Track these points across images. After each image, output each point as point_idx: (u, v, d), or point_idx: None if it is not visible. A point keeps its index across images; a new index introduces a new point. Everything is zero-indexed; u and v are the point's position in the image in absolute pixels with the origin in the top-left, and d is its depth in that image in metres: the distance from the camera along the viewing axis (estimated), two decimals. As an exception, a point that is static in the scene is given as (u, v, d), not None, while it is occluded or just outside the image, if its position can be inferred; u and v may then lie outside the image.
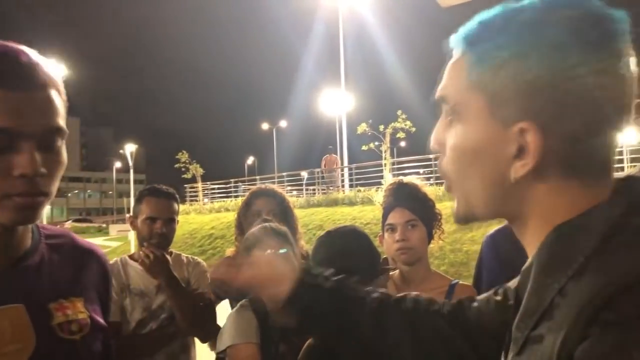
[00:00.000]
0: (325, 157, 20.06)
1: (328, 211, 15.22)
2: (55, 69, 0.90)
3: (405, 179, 2.10)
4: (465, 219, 0.68)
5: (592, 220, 0.57)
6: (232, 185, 24.22)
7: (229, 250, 2.63)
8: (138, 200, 2.24)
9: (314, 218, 14.77)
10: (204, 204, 22.79)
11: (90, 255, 1.10)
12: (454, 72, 0.66)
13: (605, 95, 0.56)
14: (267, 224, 2.01)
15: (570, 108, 0.56)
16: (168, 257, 2.12)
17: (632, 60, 0.59)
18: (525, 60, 0.57)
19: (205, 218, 17.86)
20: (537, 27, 0.58)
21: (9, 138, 0.82)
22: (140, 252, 2.15)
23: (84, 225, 44.55)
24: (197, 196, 24.03)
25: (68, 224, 49.02)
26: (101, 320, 1.04)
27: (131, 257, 2.27)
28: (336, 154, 21.34)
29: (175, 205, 2.26)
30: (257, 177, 25.84)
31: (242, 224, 2.49)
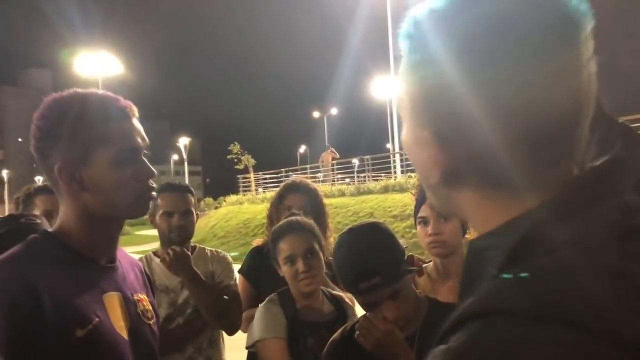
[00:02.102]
0: (322, 154, 21.42)
1: (379, 198, 15.15)
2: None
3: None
4: (441, 213, 0.67)
5: (501, 236, 0.51)
6: (284, 174, 24.48)
7: (257, 241, 2.64)
8: (154, 198, 2.27)
9: (365, 206, 14.73)
10: (256, 194, 23.18)
11: (136, 264, 1.38)
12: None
13: (516, 104, 0.50)
14: (294, 217, 2.00)
15: (475, 117, 0.52)
16: (189, 252, 2.12)
17: (540, 70, 0.51)
18: (430, 66, 0.54)
19: (258, 207, 18.14)
20: (443, 32, 0.53)
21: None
22: (163, 250, 2.18)
23: (144, 216, 46.10)
24: (249, 186, 24.45)
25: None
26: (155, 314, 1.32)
27: (155, 253, 2.29)
28: (334, 149, 22.23)
29: (191, 198, 2.28)
30: (308, 165, 26.05)
31: (272, 216, 2.50)
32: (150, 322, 1.24)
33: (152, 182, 1.21)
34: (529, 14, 0.50)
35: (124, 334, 1.13)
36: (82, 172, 1.12)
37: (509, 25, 0.50)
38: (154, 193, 1.22)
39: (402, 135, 0.62)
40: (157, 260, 2.23)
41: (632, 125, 0.83)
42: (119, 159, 1.13)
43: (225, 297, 2.17)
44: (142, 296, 1.26)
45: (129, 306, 1.18)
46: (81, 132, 1.11)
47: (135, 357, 1.14)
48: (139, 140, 1.19)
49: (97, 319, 1.06)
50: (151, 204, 2.25)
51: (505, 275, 0.47)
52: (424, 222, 1.90)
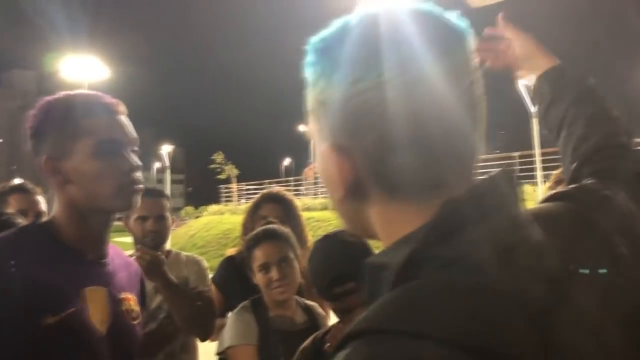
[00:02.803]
0: (305, 169, 22.82)
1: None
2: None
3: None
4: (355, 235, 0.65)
5: (392, 254, 0.51)
6: (267, 186, 24.43)
7: (230, 250, 2.64)
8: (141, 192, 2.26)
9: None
10: (238, 204, 23.08)
11: (132, 265, 1.40)
12: None
13: (396, 110, 0.51)
14: (270, 225, 2.02)
15: (361, 125, 0.53)
16: (164, 257, 2.12)
17: (421, 76, 0.52)
18: (320, 80, 0.56)
19: (239, 218, 17.80)
20: (329, 47, 0.56)
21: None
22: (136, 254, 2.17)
23: (122, 223, 45.53)
24: (231, 196, 24.34)
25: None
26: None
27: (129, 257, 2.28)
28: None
29: (165, 203, 2.28)
30: (292, 178, 26.03)
31: (247, 225, 2.51)
32: (135, 322, 1.25)
33: (137, 175, 1.22)
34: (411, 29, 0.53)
35: (103, 329, 1.14)
36: (65, 165, 1.16)
37: (391, 36, 0.53)
38: (140, 186, 1.23)
39: (315, 159, 0.61)
40: None
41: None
42: (100, 150, 1.16)
43: (199, 303, 2.16)
44: (130, 295, 1.27)
45: (114, 303, 1.19)
46: (65, 127, 1.17)
47: (112, 354, 1.15)
48: (123, 134, 1.22)
49: (72, 309, 1.08)
50: None
51: (388, 295, 0.47)
52: None
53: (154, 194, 2.27)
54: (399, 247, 0.51)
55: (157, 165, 79.26)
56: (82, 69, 27.59)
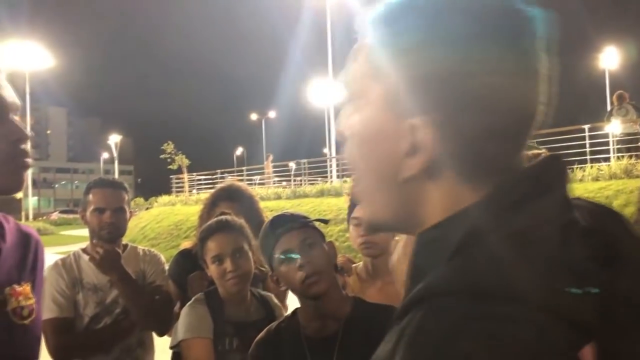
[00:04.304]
0: (265, 162, 23.27)
1: (315, 202, 15.22)
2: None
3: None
4: (371, 226, 0.64)
5: (449, 228, 0.52)
6: (219, 175, 24.16)
7: (185, 243, 2.60)
8: (86, 193, 2.19)
9: (300, 209, 14.69)
10: (190, 195, 22.73)
11: (30, 239, 1.13)
12: (356, 57, 0.61)
13: (505, 97, 0.52)
14: (223, 217, 1.99)
15: (466, 107, 0.52)
16: (120, 251, 2.07)
17: (542, 63, 0.54)
18: (424, 49, 0.53)
19: (191, 209, 17.76)
20: (440, 14, 0.53)
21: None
22: (92, 248, 2.11)
23: (71, 216, 44.22)
24: (183, 187, 23.95)
25: (55, 215, 48.59)
26: (38, 306, 1.09)
27: (84, 250, 2.22)
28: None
29: (124, 195, 2.22)
30: (244, 167, 25.84)
31: (204, 218, 2.45)
32: (27, 322, 1.03)
33: (26, 147, 1.01)
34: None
35: None
36: None
37: (514, 18, 0.53)
38: (29, 160, 1.02)
39: (356, 132, 0.60)
40: (85, 257, 2.16)
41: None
42: None
43: (157, 297, 2.12)
44: (20, 288, 1.04)
45: None
46: None
47: None
48: (7, 95, 1.01)
49: None
50: (82, 199, 2.18)
51: (452, 263, 0.49)
52: (358, 223, 1.95)
53: (113, 185, 2.21)
54: (454, 221, 0.52)
55: (104, 155, 77.05)
56: (23, 56, 26.25)
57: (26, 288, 1.05)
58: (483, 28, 0.52)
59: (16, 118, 1.01)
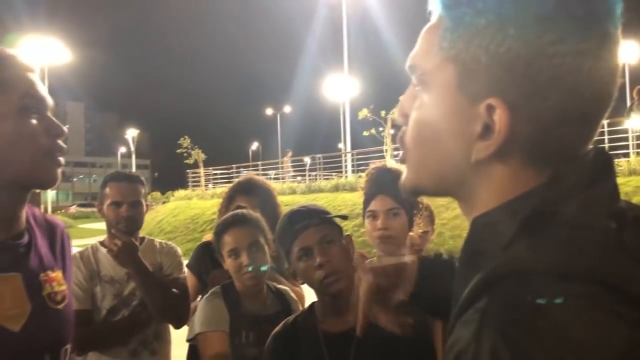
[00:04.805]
0: (284, 158, 23.21)
1: (329, 197, 15.21)
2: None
3: (388, 164, 2.04)
4: (411, 191, 0.65)
5: (507, 211, 0.53)
6: (234, 170, 24.24)
7: (207, 235, 2.61)
8: (103, 187, 2.21)
9: (315, 204, 14.70)
10: (206, 189, 22.85)
11: (56, 228, 1.17)
12: (427, 37, 0.59)
13: (584, 80, 0.51)
14: (239, 210, 1.99)
15: (544, 89, 0.51)
16: (138, 243, 2.08)
17: (619, 47, 0.53)
18: (502, 30, 0.52)
19: (207, 203, 17.88)
20: None
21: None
22: (109, 240, 2.12)
23: (89, 209, 44.72)
24: (199, 181, 24.08)
25: (73, 209, 49.28)
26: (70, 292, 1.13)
27: (102, 243, 2.23)
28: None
29: (140, 188, 2.22)
30: (259, 162, 25.90)
31: (223, 212, 2.46)
32: (59, 307, 1.06)
33: (62, 144, 1.03)
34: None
35: (14, 325, 0.96)
36: None
37: (591, 1, 0.52)
38: (62, 158, 1.04)
39: (425, 114, 0.59)
40: (103, 250, 2.17)
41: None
42: (24, 105, 0.97)
43: (173, 290, 2.13)
44: (54, 274, 1.07)
45: (32, 290, 1.01)
46: None
47: (27, 350, 0.97)
48: (45, 94, 1.02)
49: None
50: (99, 192, 2.20)
51: (520, 242, 0.50)
52: (373, 216, 1.93)
53: (130, 179, 2.21)
54: (512, 205, 0.53)
55: (121, 150, 77.79)
56: (41, 51, 26.54)
57: (58, 274, 1.09)
58: (567, 8, 0.51)
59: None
